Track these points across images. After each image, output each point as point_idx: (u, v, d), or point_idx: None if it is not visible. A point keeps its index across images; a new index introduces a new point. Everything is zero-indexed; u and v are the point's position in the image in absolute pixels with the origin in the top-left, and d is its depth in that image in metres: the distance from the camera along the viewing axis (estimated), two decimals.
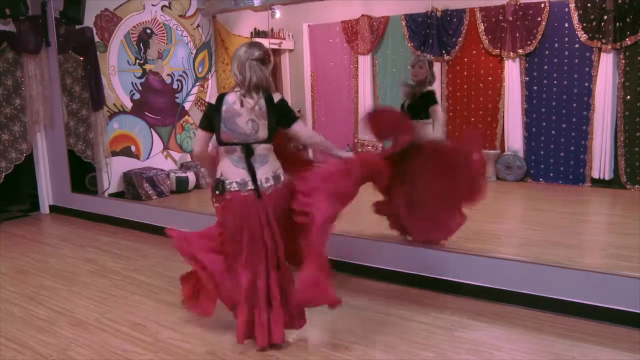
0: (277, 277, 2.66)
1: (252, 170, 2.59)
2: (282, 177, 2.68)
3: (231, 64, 2.62)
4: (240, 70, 2.56)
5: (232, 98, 2.58)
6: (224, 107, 2.57)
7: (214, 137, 2.67)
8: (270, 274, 2.65)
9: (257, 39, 6.83)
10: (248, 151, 2.58)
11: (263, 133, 2.58)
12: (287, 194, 2.68)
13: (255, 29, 7.17)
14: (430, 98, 3.79)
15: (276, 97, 2.61)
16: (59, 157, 5.77)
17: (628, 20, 5.21)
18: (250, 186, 2.59)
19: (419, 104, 3.78)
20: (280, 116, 2.62)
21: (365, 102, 7.06)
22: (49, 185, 5.94)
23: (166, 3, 6.46)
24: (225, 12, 6.81)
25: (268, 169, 2.63)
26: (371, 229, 3.95)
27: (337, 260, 3.73)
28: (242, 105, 2.55)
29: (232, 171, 2.62)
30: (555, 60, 5.73)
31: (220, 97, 2.61)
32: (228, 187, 2.61)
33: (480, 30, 6.04)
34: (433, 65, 3.86)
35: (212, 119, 2.63)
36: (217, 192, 2.65)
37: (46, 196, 5.93)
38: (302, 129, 2.76)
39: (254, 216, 2.60)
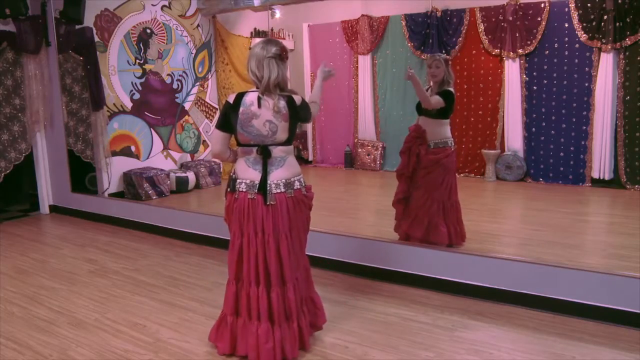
0: (278, 292, 2.52)
1: (265, 173, 2.48)
2: (298, 185, 2.55)
3: (248, 62, 2.49)
4: (259, 68, 2.44)
5: (249, 99, 2.46)
6: (241, 109, 2.46)
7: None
8: (263, 288, 2.52)
9: (258, 39, 6.83)
10: (265, 153, 2.48)
11: (282, 135, 2.48)
12: (304, 204, 2.59)
13: (255, 29, 7.18)
14: (443, 96, 3.58)
15: (297, 100, 2.50)
16: (59, 157, 5.77)
17: (628, 20, 5.21)
18: (258, 189, 2.49)
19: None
20: (301, 115, 2.53)
21: (365, 102, 7.08)
22: (49, 185, 5.95)
23: (166, 3, 6.46)
24: (225, 12, 6.81)
25: (282, 174, 2.50)
26: (371, 229, 3.95)
27: (337, 260, 3.74)
28: (259, 106, 2.43)
29: (244, 171, 2.52)
30: (555, 60, 5.73)
31: (239, 97, 2.49)
32: (238, 186, 2.53)
33: (480, 30, 6.04)
34: (449, 64, 3.68)
35: (229, 118, 2.50)
36: (228, 190, 2.59)
37: (46, 196, 5.93)
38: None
39: (254, 221, 2.49)
